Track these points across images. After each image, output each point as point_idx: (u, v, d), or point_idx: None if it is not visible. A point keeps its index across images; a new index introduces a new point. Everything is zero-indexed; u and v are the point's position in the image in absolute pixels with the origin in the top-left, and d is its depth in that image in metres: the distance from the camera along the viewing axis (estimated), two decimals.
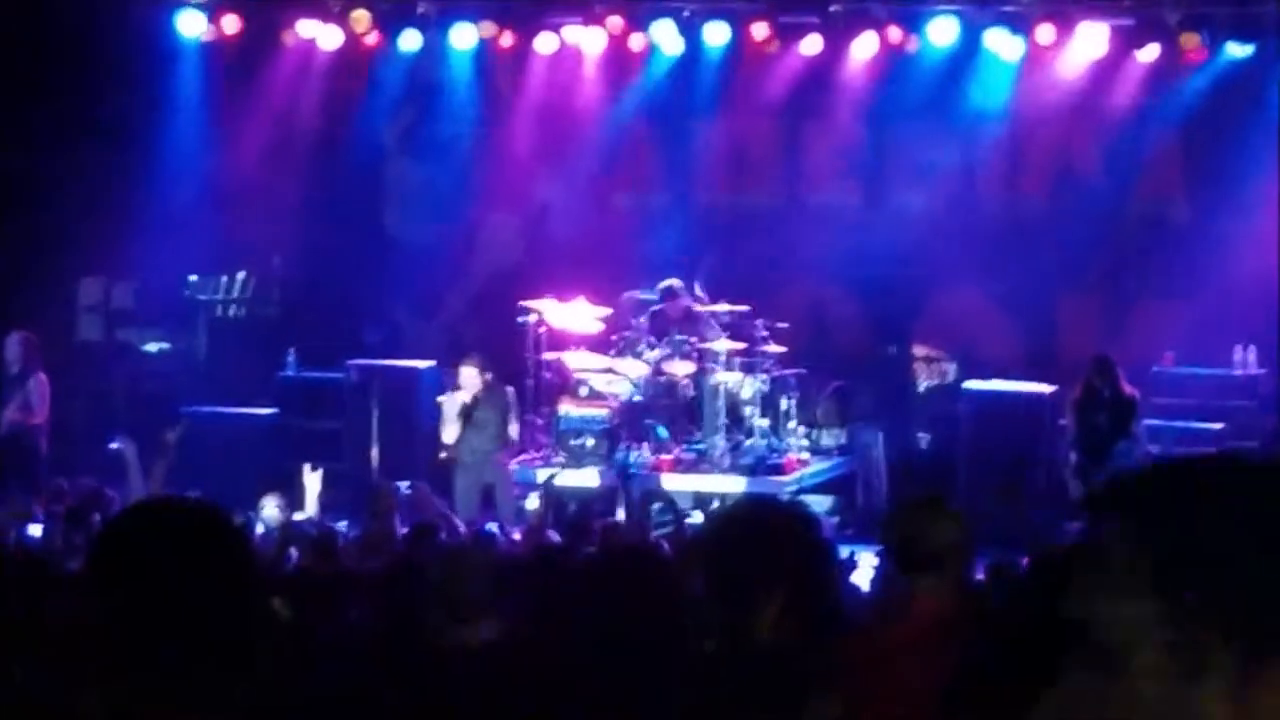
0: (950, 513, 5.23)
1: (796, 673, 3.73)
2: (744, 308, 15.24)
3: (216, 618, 2.69)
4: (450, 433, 14.38)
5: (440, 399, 14.64)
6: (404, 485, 11.46)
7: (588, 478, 14.50)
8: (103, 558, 2.83)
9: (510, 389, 14.68)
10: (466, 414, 14.36)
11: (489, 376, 14.43)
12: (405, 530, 10.30)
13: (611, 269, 16.41)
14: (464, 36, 17.28)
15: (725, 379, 15.01)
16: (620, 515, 12.93)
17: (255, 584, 2.85)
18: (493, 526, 11.83)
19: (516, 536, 11.37)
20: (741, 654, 3.90)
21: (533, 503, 13.11)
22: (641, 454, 14.53)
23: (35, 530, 10.35)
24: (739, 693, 3.77)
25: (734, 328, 15.25)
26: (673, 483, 14.28)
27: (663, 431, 14.82)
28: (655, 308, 15.54)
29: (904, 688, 4.45)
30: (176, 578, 2.70)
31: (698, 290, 15.60)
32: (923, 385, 17.86)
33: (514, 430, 14.64)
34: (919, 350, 17.81)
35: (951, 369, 17.58)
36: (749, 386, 15.11)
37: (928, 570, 4.99)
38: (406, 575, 6.27)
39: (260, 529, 10.94)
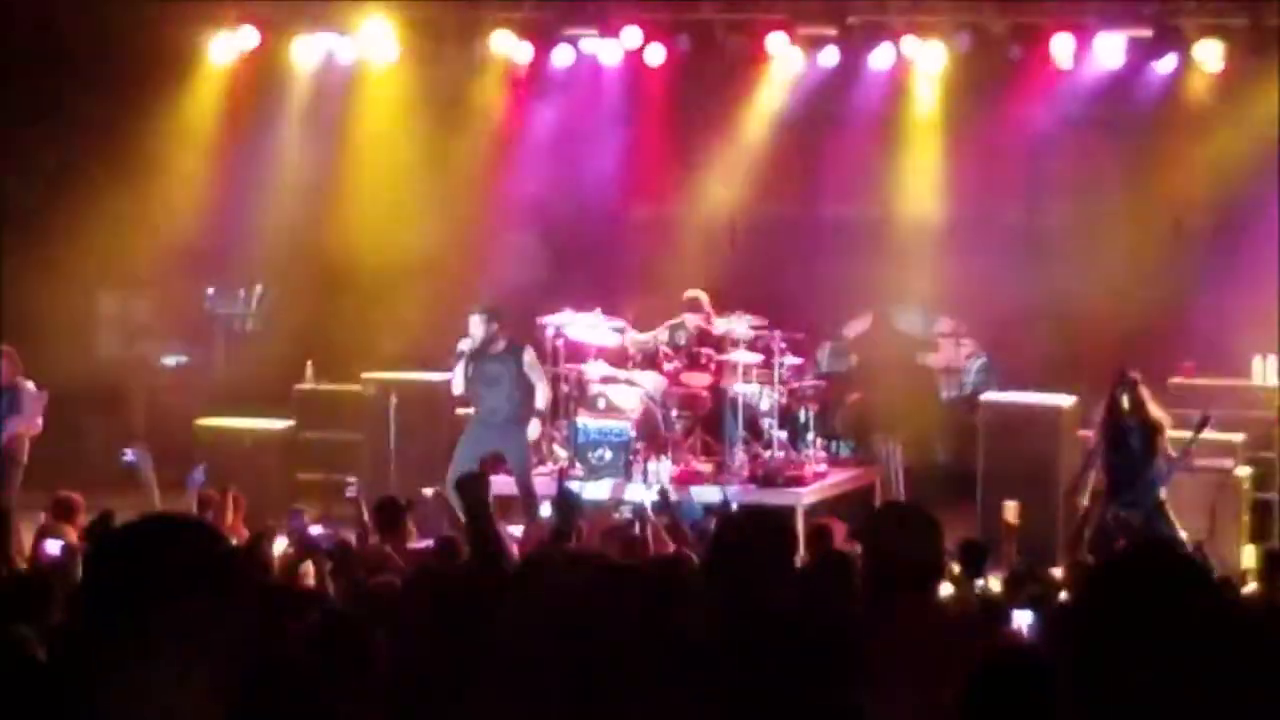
0: (924, 525, 5.07)
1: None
2: (761, 320, 15.18)
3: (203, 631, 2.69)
4: (456, 382, 13.93)
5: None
6: (428, 491, 11.32)
7: (605, 490, 14.39)
8: (94, 573, 2.83)
9: (530, 348, 13.98)
10: (472, 360, 13.69)
11: (496, 326, 13.78)
12: (424, 542, 10.18)
13: (629, 282, 16.38)
14: (485, 50, 17.32)
15: (743, 390, 14.97)
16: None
17: (245, 598, 2.85)
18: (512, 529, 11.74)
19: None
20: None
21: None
22: (660, 466, 14.46)
23: (53, 546, 10.31)
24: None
25: (752, 339, 15.20)
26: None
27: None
28: (673, 321, 15.52)
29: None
30: (165, 593, 2.70)
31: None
32: (942, 396, 17.83)
33: (541, 394, 13.84)
34: (939, 360, 17.77)
35: (970, 379, 17.53)
36: (767, 398, 15.07)
37: (904, 582, 4.89)
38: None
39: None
